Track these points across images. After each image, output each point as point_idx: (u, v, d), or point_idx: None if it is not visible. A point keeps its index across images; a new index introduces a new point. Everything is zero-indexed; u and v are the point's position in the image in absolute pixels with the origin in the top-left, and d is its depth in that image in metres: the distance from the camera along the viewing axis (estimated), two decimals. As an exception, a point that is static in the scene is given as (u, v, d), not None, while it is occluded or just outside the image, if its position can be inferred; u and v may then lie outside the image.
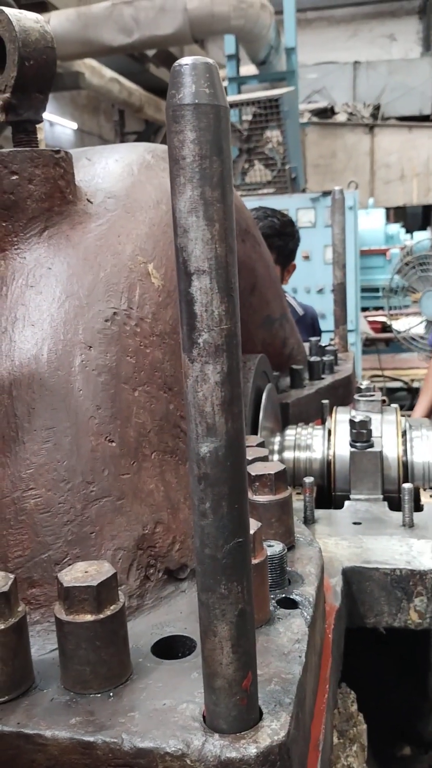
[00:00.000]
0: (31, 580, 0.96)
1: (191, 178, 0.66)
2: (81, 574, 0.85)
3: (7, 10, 1.20)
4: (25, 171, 1.22)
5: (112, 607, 0.84)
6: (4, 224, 1.23)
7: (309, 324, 5.00)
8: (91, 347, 1.13)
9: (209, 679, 0.75)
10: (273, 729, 0.76)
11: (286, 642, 0.93)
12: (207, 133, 0.65)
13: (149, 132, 17.42)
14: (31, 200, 1.22)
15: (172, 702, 0.81)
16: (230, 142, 0.70)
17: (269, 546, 1.07)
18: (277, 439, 1.94)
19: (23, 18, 1.20)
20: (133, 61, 13.76)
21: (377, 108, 21.61)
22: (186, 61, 0.66)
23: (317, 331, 5.01)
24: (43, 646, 0.92)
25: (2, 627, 0.82)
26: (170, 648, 0.94)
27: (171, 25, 10.06)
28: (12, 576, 0.86)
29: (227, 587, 0.72)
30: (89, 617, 0.83)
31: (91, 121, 17.17)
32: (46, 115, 5.56)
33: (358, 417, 1.74)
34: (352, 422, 1.74)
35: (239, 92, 10.44)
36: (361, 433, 1.73)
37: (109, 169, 1.43)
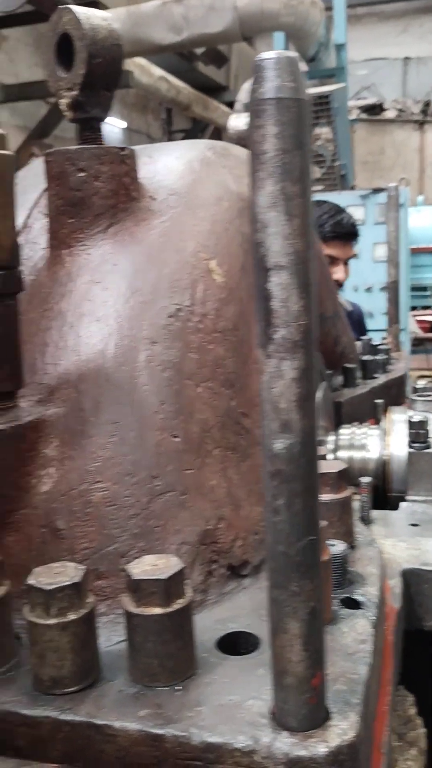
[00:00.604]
0: (97, 572, 0.98)
1: (272, 172, 0.65)
2: (150, 567, 0.86)
3: (75, 8, 1.21)
4: (91, 168, 1.23)
5: (180, 601, 0.85)
6: (70, 221, 1.24)
7: (356, 321, 4.94)
8: (155, 343, 1.13)
9: (279, 676, 0.74)
10: (342, 728, 0.75)
11: (351, 642, 0.92)
12: (289, 128, 0.65)
13: (196, 130, 17.45)
14: (98, 197, 1.24)
15: (238, 698, 0.81)
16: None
17: (331, 545, 1.06)
18: (332, 438, 1.93)
19: (92, 16, 1.21)
20: (181, 60, 13.80)
21: (427, 104, 21.24)
22: (269, 55, 0.65)
23: (363, 330, 4.95)
24: (108, 637, 0.93)
25: (74, 617, 0.83)
26: (233, 644, 0.94)
27: (220, 23, 10.05)
28: (83, 567, 0.87)
29: (299, 585, 0.72)
30: (158, 610, 0.83)
31: (139, 120, 17.29)
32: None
33: (417, 417, 1.71)
34: (410, 422, 1.72)
35: (288, 89, 10.37)
36: (419, 433, 1.70)
37: (170, 167, 1.43)
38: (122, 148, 1.27)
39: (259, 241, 0.67)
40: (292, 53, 0.66)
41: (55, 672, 0.83)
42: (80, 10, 1.20)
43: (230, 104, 14.47)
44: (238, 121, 2.11)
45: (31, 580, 0.84)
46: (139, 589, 0.84)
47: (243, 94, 11.61)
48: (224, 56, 15.47)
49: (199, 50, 13.92)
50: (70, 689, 0.84)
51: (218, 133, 16.65)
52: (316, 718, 0.75)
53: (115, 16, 10.67)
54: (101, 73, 1.22)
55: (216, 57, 15.06)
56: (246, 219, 1.44)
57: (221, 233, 1.34)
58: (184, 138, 16.90)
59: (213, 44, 12.40)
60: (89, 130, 1.27)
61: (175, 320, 1.17)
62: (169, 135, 17.20)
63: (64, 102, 1.26)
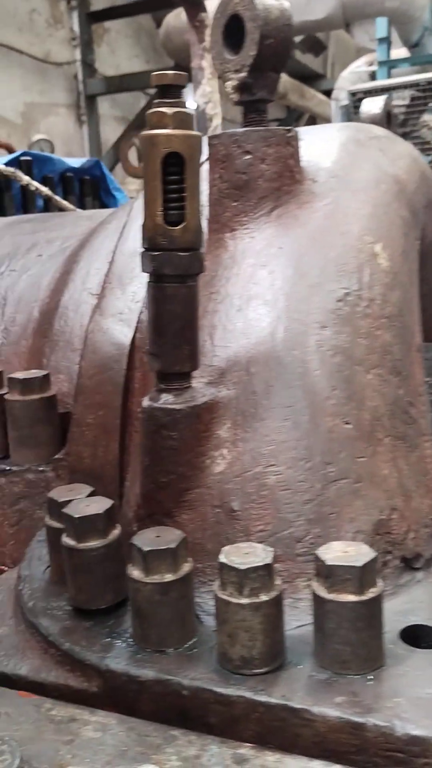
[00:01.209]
0: (274, 555, 0.97)
1: None
2: (341, 553, 0.85)
3: (247, -11, 1.20)
4: (258, 150, 1.22)
5: (373, 590, 0.83)
6: (234, 204, 1.24)
7: None
8: (325, 327, 1.12)
9: None
10: None
11: None
12: None
13: (291, 119, 17.29)
14: (263, 179, 1.23)
15: (437, 692, 0.79)
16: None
17: None
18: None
19: (264, -4, 1.19)
20: (278, 48, 13.71)
21: None
22: None
23: None
24: (288, 622, 0.92)
25: (266, 599, 0.83)
26: (415, 637, 0.91)
27: (323, 10, 9.89)
28: (271, 550, 0.86)
29: None
30: (352, 597, 0.82)
31: (234, 109, 17.24)
32: (202, 102, 5.61)
33: None
34: None
35: (389, 76, 10.12)
36: None
37: (326, 148, 1.41)
38: (288, 130, 1.25)
39: None
40: None
41: (245, 652, 0.83)
42: (253, -10, 1.19)
43: (327, 92, 14.24)
44: (372, 105, 2.06)
45: (224, 559, 0.85)
46: (333, 575, 0.83)
47: (343, 82, 11.41)
48: (322, 44, 15.26)
49: (297, 38, 13.77)
50: (260, 670, 0.83)
51: (313, 121, 16.44)
52: None
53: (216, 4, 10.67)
54: (271, 55, 1.20)
55: (314, 45, 14.88)
56: (403, 203, 1.40)
57: (382, 216, 1.30)
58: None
59: (315, 31, 12.26)
60: (255, 112, 1.26)
61: (344, 305, 1.14)
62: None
63: (230, 84, 1.25)
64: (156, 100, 0.97)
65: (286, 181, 1.25)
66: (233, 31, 1.22)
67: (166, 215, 0.96)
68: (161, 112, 0.95)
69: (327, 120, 14.17)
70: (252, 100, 1.25)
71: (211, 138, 1.27)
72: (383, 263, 1.23)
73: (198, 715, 0.82)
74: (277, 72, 1.24)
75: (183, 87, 0.97)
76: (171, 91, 0.96)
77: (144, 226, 0.98)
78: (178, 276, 0.99)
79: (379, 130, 1.64)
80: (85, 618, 0.96)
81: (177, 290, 0.99)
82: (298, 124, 16.91)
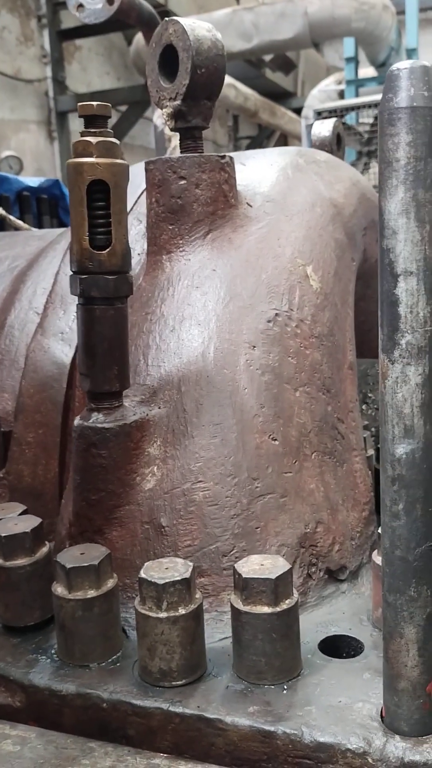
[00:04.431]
0: (200, 570, 1.00)
1: (404, 180, 0.66)
2: (257, 566, 0.88)
3: (181, 19, 1.24)
4: (192, 176, 1.26)
5: (287, 601, 0.86)
6: (170, 227, 1.27)
7: None
8: (254, 347, 1.15)
9: (392, 680, 0.75)
10: (455, 737, 0.75)
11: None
12: (423, 136, 0.66)
13: (262, 137, 17.50)
14: (198, 204, 1.27)
15: (347, 700, 0.82)
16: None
17: None
18: None
19: (197, 27, 1.24)
20: (249, 66, 13.87)
21: None
22: (404, 65, 0.66)
23: None
24: (211, 634, 0.94)
25: (183, 612, 0.85)
26: (335, 647, 0.94)
27: (291, 30, 10.06)
28: (191, 564, 0.89)
29: (417, 590, 0.72)
30: (266, 609, 0.85)
31: (212, 131, 17.43)
32: (161, 122, 5.66)
33: None
34: None
35: (357, 95, 10.31)
36: None
37: (264, 173, 1.45)
38: (222, 156, 1.29)
39: (388, 247, 0.68)
40: (425, 63, 0.67)
41: (164, 665, 0.86)
42: (186, 22, 1.23)
43: (297, 110, 14.45)
44: (322, 128, 2.12)
45: (143, 574, 0.87)
46: (248, 587, 0.85)
47: (312, 100, 11.59)
48: (292, 63, 15.48)
49: (267, 57, 13.97)
50: (178, 682, 0.86)
51: (284, 139, 16.65)
52: (429, 724, 0.75)
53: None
54: (204, 83, 1.24)
55: (284, 64, 15.08)
56: (338, 225, 1.45)
57: (316, 239, 1.35)
58: (249, 145, 16.95)
59: (283, 51, 12.43)
60: (190, 138, 1.30)
61: (274, 325, 1.18)
62: (235, 142, 17.28)
63: (165, 112, 1.29)
64: (81, 130, 1.00)
65: (220, 206, 1.28)
66: (168, 60, 1.26)
67: (93, 240, 0.99)
68: (86, 141, 0.98)
69: (298, 137, 14.36)
70: (187, 127, 1.29)
71: (147, 163, 1.31)
72: (314, 284, 1.27)
73: (117, 727, 0.84)
74: (211, 100, 1.28)
75: (108, 117, 1.01)
76: (96, 121, 1.00)
77: (71, 250, 1.01)
78: (105, 299, 1.02)
79: (321, 155, 1.69)
80: (13, 635, 0.97)
81: (105, 312, 1.02)
82: (269, 141, 17.11)
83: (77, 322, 1.05)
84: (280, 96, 15.58)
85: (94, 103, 0.99)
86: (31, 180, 4.50)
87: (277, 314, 1.19)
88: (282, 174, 1.46)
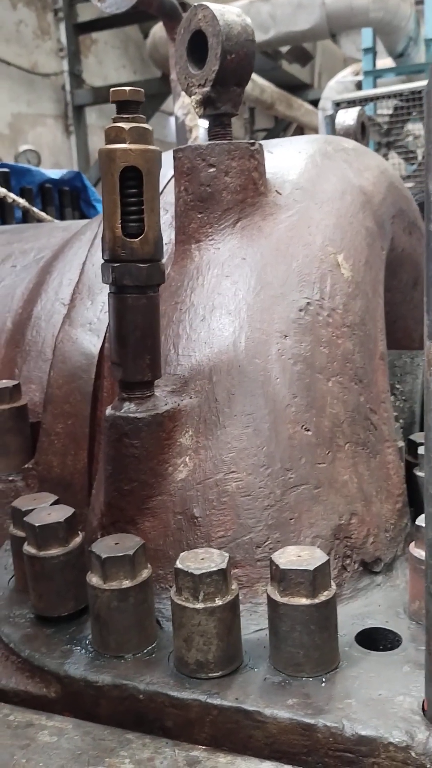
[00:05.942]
0: (233, 561, 0.98)
1: (454, 160, 0.64)
2: (294, 557, 0.86)
3: (210, 5, 1.23)
4: (222, 163, 1.25)
5: (325, 593, 0.85)
6: (199, 216, 1.26)
7: None
8: (286, 336, 1.14)
9: (435, 673, 0.73)
10: None
11: None
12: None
13: (278, 129, 17.41)
14: (227, 192, 1.25)
15: (387, 693, 0.80)
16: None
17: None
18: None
19: (226, 12, 1.22)
20: (266, 58, 13.80)
21: None
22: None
23: None
24: (246, 626, 0.93)
25: (220, 603, 0.84)
26: (372, 640, 0.93)
27: (308, 21, 9.99)
28: (227, 554, 0.88)
29: (462, 581, 0.70)
30: (305, 600, 0.83)
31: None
32: (182, 113, 5.65)
33: None
34: None
35: (374, 86, 10.22)
36: None
37: (293, 161, 1.43)
38: (251, 143, 1.28)
39: (435, 230, 0.66)
40: None
41: (201, 656, 0.85)
42: (215, 7, 1.22)
43: (314, 102, 14.36)
44: (346, 116, 2.09)
45: (179, 564, 0.86)
46: (286, 578, 0.84)
47: (329, 92, 11.51)
48: (309, 54, 15.38)
49: (284, 49, 13.88)
50: (215, 674, 0.85)
51: (301, 131, 16.55)
52: (473, 719, 0.74)
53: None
54: (234, 69, 1.22)
55: (300, 55, 14.99)
56: (368, 213, 1.43)
57: (346, 227, 1.33)
58: (266, 137, 16.89)
59: (300, 42, 12.36)
60: (219, 126, 1.29)
61: (305, 314, 1.17)
62: (251, 134, 17.21)
63: (194, 98, 1.28)
64: (114, 116, 0.99)
65: (250, 194, 1.27)
66: (197, 46, 1.25)
67: (125, 228, 0.98)
68: (119, 127, 0.97)
69: (315, 129, 14.27)
70: (216, 114, 1.27)
71: (176, 151, 1.29)
72: (345, 273, 1.25)
73: (154, 718, 0.84)
74: (240, 86, 1.26)
75: (140, 103, 0.99)
76: (129, 107, 0.98)
77: (103, 238, 1.00)
78: (138, 287, 1.01)
79: (348, 143, 1.67)
80: (47, 625, 0.97)
81: (137, 301, 1.01)
82: (285, 133, 17.02)
83: (109, 311, 1.04)
84: (297, 88, 15.49)
85: (127, 88, 0.98)
86: (53, 172, 4.50)
87: (308, 303, 1.18)
88: (311, 161, 1.44)
